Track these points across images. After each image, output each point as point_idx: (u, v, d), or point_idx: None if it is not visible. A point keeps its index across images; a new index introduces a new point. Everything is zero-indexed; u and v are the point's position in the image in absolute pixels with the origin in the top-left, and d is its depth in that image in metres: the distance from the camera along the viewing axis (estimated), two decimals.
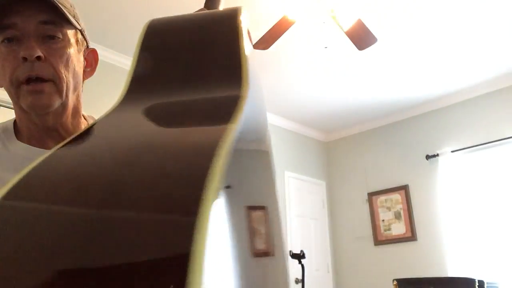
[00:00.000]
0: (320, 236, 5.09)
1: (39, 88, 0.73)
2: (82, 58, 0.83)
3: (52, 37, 0.75)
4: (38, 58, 0.72)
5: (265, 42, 3.07)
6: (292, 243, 4.68)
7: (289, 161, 5.02)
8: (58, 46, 0.75)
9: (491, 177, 4.20)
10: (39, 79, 0.73)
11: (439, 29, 3.42)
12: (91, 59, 0.87)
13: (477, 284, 3.06)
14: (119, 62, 3.69)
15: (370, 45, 3.05)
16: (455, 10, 3.20)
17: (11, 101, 0.79)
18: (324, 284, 4.91)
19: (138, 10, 3.13)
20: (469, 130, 4.44)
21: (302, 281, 3.59)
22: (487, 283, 3.11)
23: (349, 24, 2.82)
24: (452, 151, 4.46)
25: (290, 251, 3.68)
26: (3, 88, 0.79)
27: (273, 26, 2.94)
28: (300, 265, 3.54)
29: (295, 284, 4.55)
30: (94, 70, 0.88)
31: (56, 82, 0.74)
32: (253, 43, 3.26)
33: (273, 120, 4.89)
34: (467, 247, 4.14)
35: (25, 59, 0.71)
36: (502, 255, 3.97)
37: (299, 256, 3.52)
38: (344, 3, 2.86)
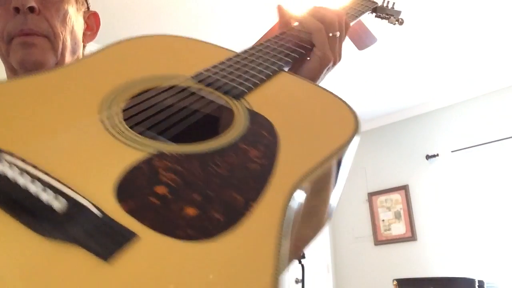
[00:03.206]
0: (320, 236, 5.08)
1: (30, 41, 0.64)
2: (82, 20, 0.76)
3: None
4: (32, 9, 0.64)
5: None
6: None
7: None
8: (54, 0, 0.68)
9: (491, 177, 4.19)
10: (33, 34, 0.65)
11: (439, 29, 3.42)
12: (92, 23, 0.80)
13: (477, 284, 3.06)
14: None
15: (370, 45, 3.04)
16: (455, 11, 3.20)
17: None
18: (324, 284, 4.91)
19: (138, 9, 3.13)
20: (469, 130, 4.44)
21: (302, 281, 3.59)
22: (487, 283, 3.11)
23: None
24: (452, 151, 4.46)
25: None
26: None
27: (273, 26, 2.93)
28: (300, 265, 3.54)
29: (295, 284, 4.55)
30: (95, 35, 0.81)
31: (51, 39, 0.66)
32: (254, 43, 3.24)
33: None
34: (467, 247, 4.14)
35: (17, 10, 0.64)
36: (502, 255, 3.97)
37: (299, 256, 3.52)
38: (344, 3, 2.86)
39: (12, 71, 0.68)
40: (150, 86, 0.45)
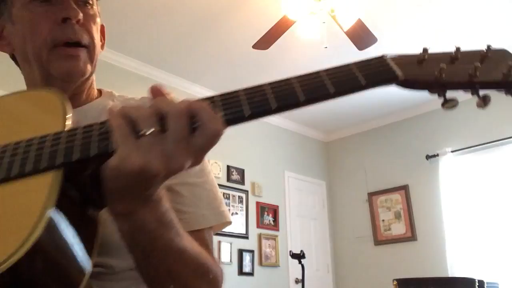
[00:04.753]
0: (320, 236, 5.09)
1: (76, 53, 0.69)
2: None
3: (86, 3, 0.73)
4: (78, 21, 0.69)
5: (265, 42, 3.07)
6: (292, 243, 4.67)
7: (289, 161, 5.01)
8: (92, 13, 0.73)
9: (491, 177, 4.19)
10: (78, 44, 0.69)
11: (439, 29, 3.42)
12: (101, 34, 0.83)
13: (477, 284, 3.06)
14: (119, 62, 3.70)
15: (370, 45, 3.05)
16: (455, 10, 3.20)
17: None
18: (324, 284, 4.91)
19: (138, 11, 3.13)
20: (469, 130, 4.44)
21: (302, 281, 3.58)
22: (487, 283, 3.11)
23: (349, 24, 2.82)
24: (452, 151, 4.46)
25: (290, 251, 3.68)
26: None
27: (273, 26, 2.94)
28: (300, 265, 3.54)
29: (295, 284, 4.55)
30: (104, 46, 0.84)
31: (90, 49, 0.71)
32: (254, 43, 3.26)
33: (273, 120, 4.89)
34: (467, 247, 4.14)
35: (64, 20, 0.68)
36: (502, 255, 3.97)
37: (299, 256, 3.52)
38: (344, 3, 2.86)
39: (44, 79, 0.71)
40: None
